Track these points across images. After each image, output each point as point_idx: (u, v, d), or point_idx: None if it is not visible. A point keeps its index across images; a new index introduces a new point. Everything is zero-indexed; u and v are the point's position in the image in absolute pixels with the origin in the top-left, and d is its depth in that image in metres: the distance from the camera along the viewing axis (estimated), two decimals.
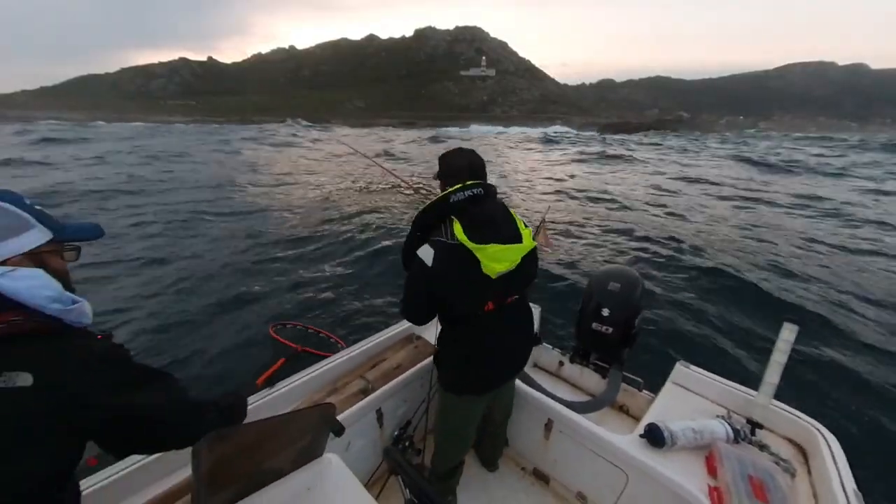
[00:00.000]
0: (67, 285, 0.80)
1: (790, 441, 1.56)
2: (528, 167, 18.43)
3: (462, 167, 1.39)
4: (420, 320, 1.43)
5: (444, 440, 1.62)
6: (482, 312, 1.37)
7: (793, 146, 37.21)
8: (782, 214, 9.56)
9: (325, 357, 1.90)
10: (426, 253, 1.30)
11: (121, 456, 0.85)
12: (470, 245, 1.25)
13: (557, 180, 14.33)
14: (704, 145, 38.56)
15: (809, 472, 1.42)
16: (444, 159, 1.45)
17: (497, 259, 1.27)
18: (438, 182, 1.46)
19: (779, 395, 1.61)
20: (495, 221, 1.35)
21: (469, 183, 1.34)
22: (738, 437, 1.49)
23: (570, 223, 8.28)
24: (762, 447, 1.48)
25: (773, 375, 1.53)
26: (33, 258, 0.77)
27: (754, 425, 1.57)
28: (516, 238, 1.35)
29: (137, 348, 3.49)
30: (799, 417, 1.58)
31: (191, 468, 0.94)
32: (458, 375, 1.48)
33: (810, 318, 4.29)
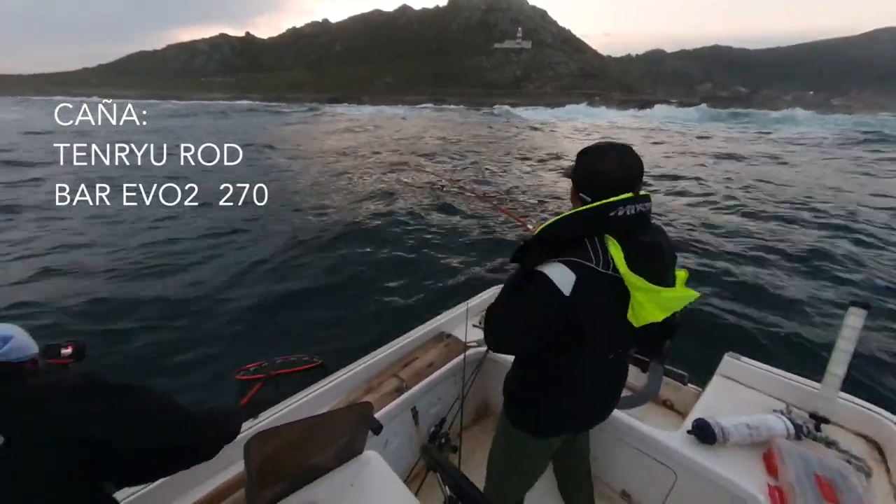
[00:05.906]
0: None
1: (863, 437, 1.41)
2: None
3: (617, 176, 0.98)
4: (511, 352, 1.20)
5: (505, 479, 1.40)
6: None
7: None
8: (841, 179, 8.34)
9: (305, 369, 1.85)
10: (563, 277, 0.95)
11: (141, 481, 0.86)
12: (637, 282, 0.92)
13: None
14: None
15: (888, 471, 1.28)
16: (587, 157, 1.04)
17: (662, 307, 0.95)
18: (571, 184, 1.09)
19: (845, 388, 1.44)
20: (662, 254, 1.03)
21: (642, 194, 0.99)
22: (800, 432, 1.36)
23: None
24: (829, 444, 1.35)
25: (838, 366, 1.37)
26: None
27: (819, 420, 1.42)
28: (673, 279, 1.07)
29: None
30: (872, 410, 1.41)
31: (243, 464, 0.97)
32: (539, 417, 1.22)
33: (882, 298, 3.83)
